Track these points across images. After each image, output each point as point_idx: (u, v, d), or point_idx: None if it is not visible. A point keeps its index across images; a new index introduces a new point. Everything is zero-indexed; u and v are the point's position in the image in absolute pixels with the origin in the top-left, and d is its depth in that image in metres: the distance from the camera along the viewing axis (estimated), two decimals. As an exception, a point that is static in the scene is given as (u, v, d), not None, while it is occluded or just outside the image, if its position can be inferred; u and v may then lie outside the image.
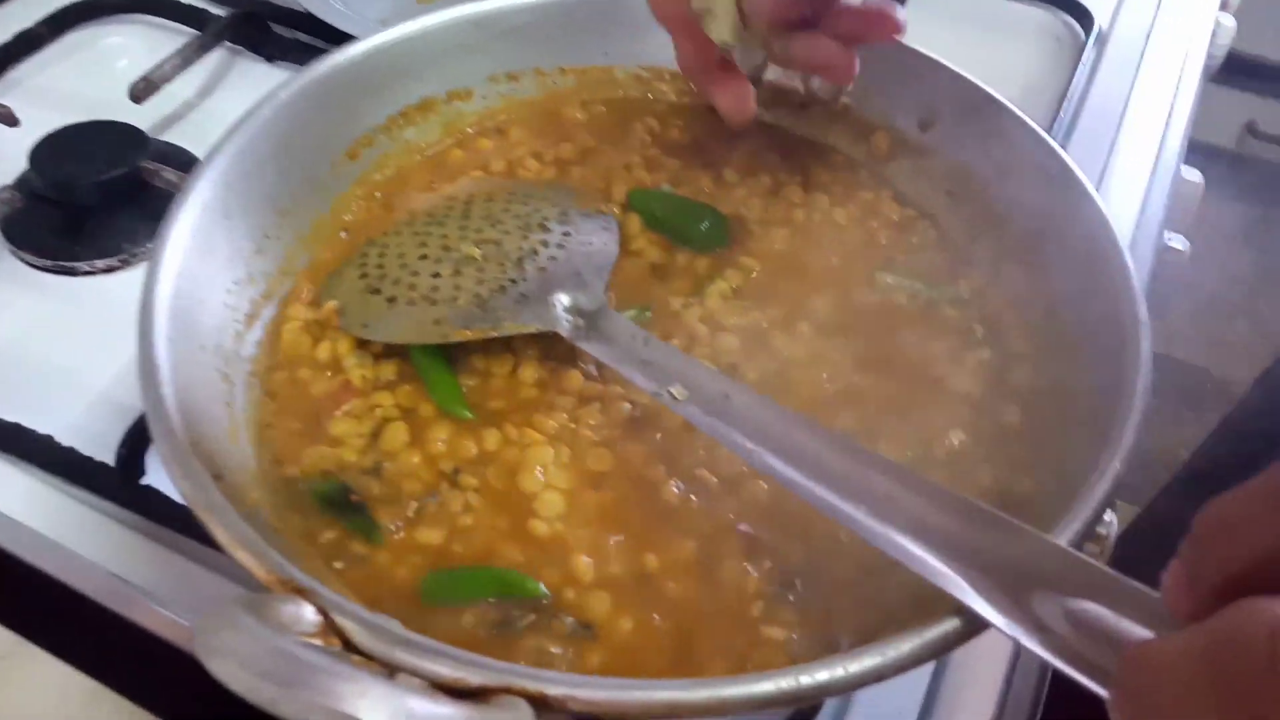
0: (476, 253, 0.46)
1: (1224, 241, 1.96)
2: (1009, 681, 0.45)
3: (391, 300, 0.45)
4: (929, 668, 0.44)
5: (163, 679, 0.42)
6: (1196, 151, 0.80)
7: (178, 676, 0.40)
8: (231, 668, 0.24)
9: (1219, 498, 0.25)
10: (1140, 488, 1.54)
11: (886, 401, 0.44)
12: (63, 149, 0.60)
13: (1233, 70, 1.76)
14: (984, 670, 0.45)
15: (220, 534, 0.32)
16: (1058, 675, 0.47)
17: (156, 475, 0.47)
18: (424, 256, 0.47)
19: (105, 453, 0.48)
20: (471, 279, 0.45)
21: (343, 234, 0.49)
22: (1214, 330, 1.84)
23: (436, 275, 0.46)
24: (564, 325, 0.43)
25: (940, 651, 0.31)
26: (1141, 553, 0.91)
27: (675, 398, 0.40)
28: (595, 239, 0.48)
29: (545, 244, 0.47)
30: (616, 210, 0.51)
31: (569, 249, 0.47)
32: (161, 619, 0.42)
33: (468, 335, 0.43)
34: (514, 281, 0.45)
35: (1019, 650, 0.45)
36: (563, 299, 0.44)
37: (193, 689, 0.40)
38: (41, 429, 0.49)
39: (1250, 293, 1.90)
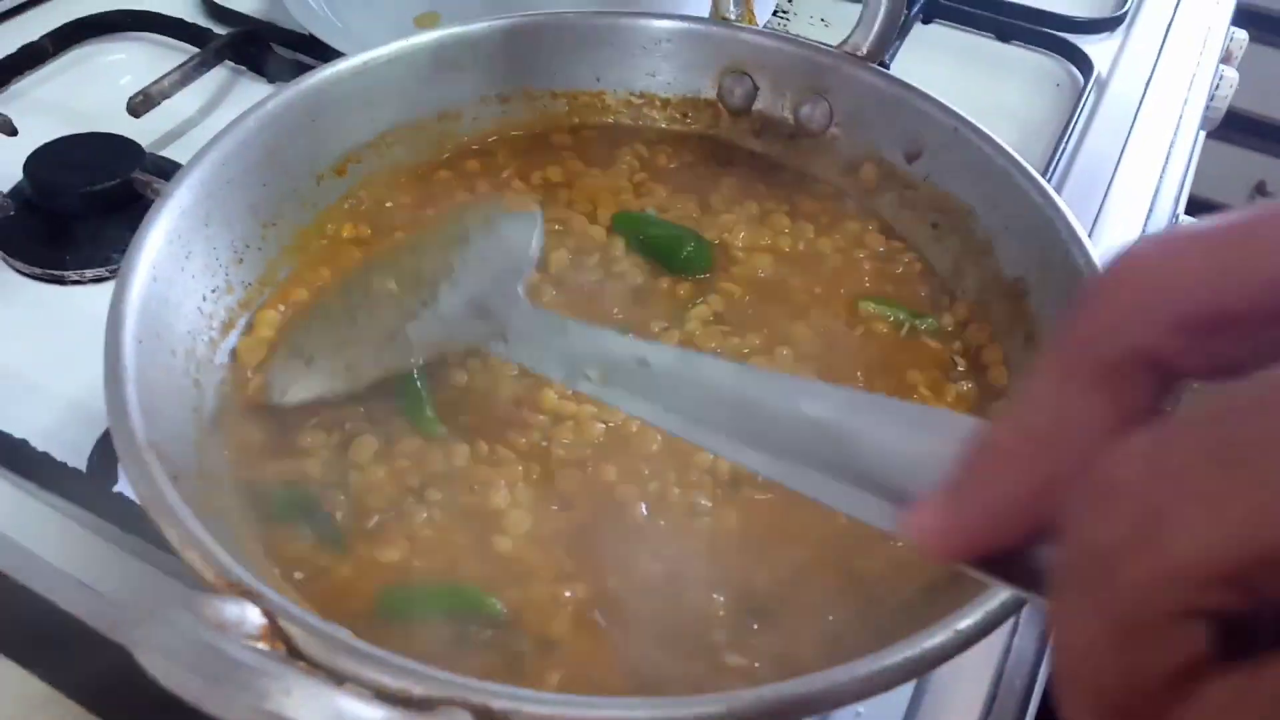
0: (392, 285, 0.45)
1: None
2: (990, 704, 0.44)
3: (310, 360, 0.44)
4: (908, 690, 0.43)
5: (127, 691, 0.41)
6: (1206, 210, 0.79)
7: (142, 689, 0.40)
8: (158, 661, 0.24)
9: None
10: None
11: None
12: (57, 158, 0.61)
13: (1242, 130, 1.77)
14: (965, 693, 0.44)
15: (170, 533, 0.31)
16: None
17: (127, 483, 0.47)
18: (347, 306, 0.46)
19: (80, 459, 0.48)
20: (390, 313, 0.44)
21: (324, 241, 0.49)
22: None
23: (353, 321, 0.45)
24: (477, 335, 0.42)
25: (901, 679, 0.31)
26: None
27: (590, 379, 0.37)
28: (516, 235, 0.45)
29: (464, 258, 0.45)
30: (602, 233, 0.51)
31: (486, 255, 0.45)
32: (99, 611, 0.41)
33: (377, 374, 0.43)
34: (425, 304, 0.44)
35: (1003, 669, 0.44)
36: (476, 307, 0.43)
37: (156, 701, 0.39)
38: (17, 434, 0.49)
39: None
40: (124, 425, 0.34)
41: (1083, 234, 0.44)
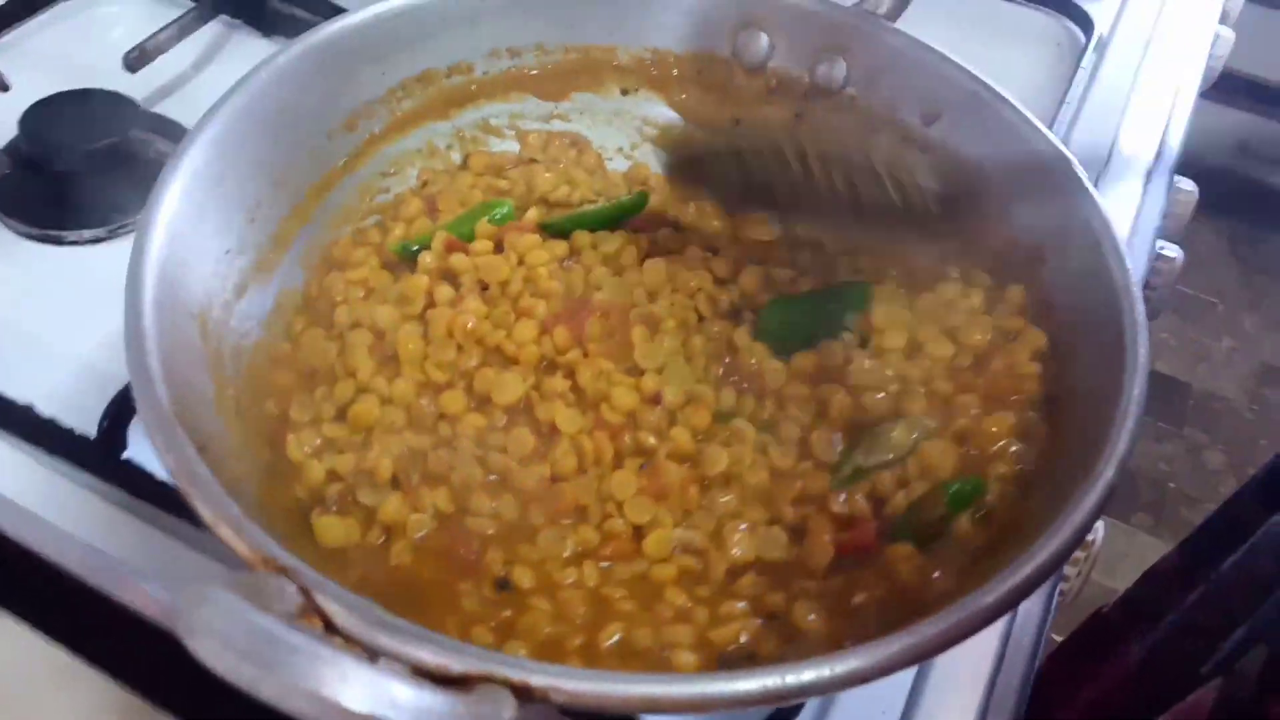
0: None
1: (1211, 257, 1.97)
2: (992, 684, 0.45)
3: None
4: (910, 674, 0.44)
5: (137, 653, 0.41)
6: (1190, 167, 0.79)
7: (153, 651, 0.40)
8: (213, 646, 0.23)
9: None
10: (1123, 503, 1.55)
11: None
12: (53, 115, 0.59)
13: (1228, 89, 1.77)
14: (967, 674, 0.44)
15: (203, 509, 0.31)
16: (1041, 682, 0.48)
17: (137, 449, 0.46)
18: None
19: (86, 424, 0.47)
20: None
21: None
22: (1199, 346, 1.84)
23: None
24: None
25: (923, 656, 0.31)
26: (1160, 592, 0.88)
27: None
28: None
29: None
30: None
31: None
32: (139, 593, 0.41)
33: None
34: None
35: (1004, 652, 0.45)
36: None
37: (168, 664, 0.39)
38: (21, 399, 0.48)
39: (1235, 309, 1.91)
40: (150, 397, 0.33)
41: (1104, 206, 0.44)
